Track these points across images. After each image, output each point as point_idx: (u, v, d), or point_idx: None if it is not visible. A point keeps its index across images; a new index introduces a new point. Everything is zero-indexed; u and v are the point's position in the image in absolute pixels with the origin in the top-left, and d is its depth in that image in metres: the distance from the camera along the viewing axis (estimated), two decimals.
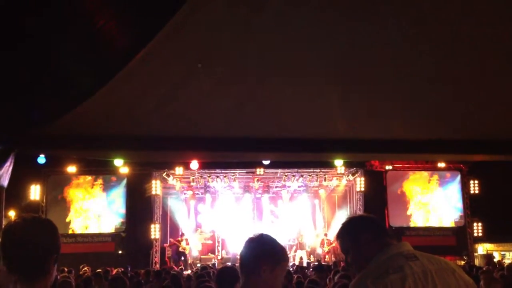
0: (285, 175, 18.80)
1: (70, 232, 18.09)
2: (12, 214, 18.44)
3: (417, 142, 5.45)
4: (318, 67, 3.84)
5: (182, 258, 17.87)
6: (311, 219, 20.87)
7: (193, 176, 18.71)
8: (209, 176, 18.75)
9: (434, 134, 5.27)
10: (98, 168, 18.22)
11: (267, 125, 5.05)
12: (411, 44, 3.45)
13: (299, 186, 20.18)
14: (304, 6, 3.03)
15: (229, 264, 13.65)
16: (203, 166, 16.70)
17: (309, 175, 18.90)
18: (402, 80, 4.00)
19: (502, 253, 22.27)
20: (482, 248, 21.46)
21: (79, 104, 4.02)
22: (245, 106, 4.54)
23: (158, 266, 16.91)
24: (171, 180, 18.73)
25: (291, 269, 11.55)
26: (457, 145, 5.46)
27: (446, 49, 3.50)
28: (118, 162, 12.47)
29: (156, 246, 18.12)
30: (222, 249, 19.85)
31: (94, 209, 18.69)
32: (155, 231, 18.06)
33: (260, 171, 17.86)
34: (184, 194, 20.81)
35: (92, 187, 18.86)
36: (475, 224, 19.21)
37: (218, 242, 19.94)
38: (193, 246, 19.39)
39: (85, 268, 12.44)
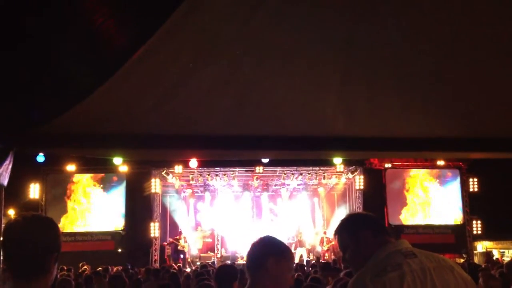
0: (284, 173, 18.81)
1: (69, 230, 18.09)
2: (11, 212, 18.46)
3: (417, 140, 5.45)
4: (317, 66, 3.85)
5: (181, 256, 17.88)
6: (310, 217, 20.89)
7: (193, 174, 18.72)
8: (209, 175, 18.76)
9: (434, 132, 5.27)
10: (97, 167, 18.23)
11: (266, 123, 5.05)
12: (411, 44, 3.45)
13: (298, 184, 20.19)
14: (303, 5, 3.04)
15: (229, 262, 13.67)
16: (202, 164, 16.70)
17: (308, 173, 18.91)
18: (402, 79, 4.00)
19: (501, 250, 22.34)
20: (481, 246, 21.52)
21: (78, 102, 4.02)
22: (244, 104, 4.54)
23: (157, 264, 16.92)
24: (170, 179, 18.73)
25: None
26: (457, 143, 5.46)
27: (446, 49, 3.51)
28: (117, 160, 12.50)
29: (155, 244, 18.14)
30: (221, 247, 19.86)
31: (93, 208, 18.69)
32: (154, 229, 18.07)
33: (259, 169, 17.86)
34: (184, 192, 20.82)
35: (92, 186, 18.86)
36: (474, 222, 19.24)
37: (218, 240, 19.95)
38: (192, 244, 19.40)
39: (85, 267, 12.46)
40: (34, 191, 17.96)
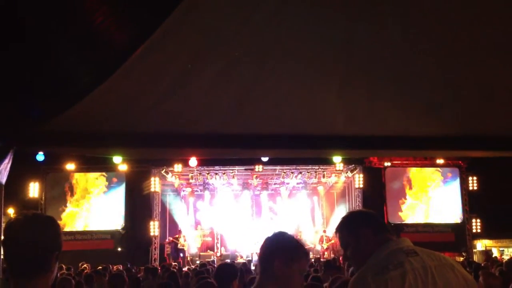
0: (284, 172, 18.82)
1: (69, 229, 18.10)
2: (11, 211, 18.47)
3: (416, 139, 5.45)
4: (317, 65, 3.85)
5: (181, 255, 17.90)
6: (310, 216, 20.92)
7: (192, 173, 18.73)
8: (208, 173, 18.76)
9: (433, 130, 5.27)
10: (97, 166, 18.24)
11: (266, 122, 5.05)
12: (411, 44, 3.45)
13: (298, 183, 20.22)
14: (303, 5, 3.04)
15: (228, 261, 13.68)
16: (202, 163, 16.73)
17: (308, 172, 18.93)
18: (402, 79, 4.00)
19: (501, 249, 22.37)
20: (480, 244, 21.55)
21: (78, 101, 4.02)
22: (244, 103, 4.54)
23: (157, 263, 16.94)
24: (170, 177, 18.74)
25: None
26: (456, 141, 5.46)
27: (446, 49, 3.50)
28: (117, 159, 12.51)
29: (155, 243, 18.15)
30: (221, 246, 19.88)
31: (93, 207, 18.70)
32: (154, 228, 18.08)
33: (258, 168, 17.89)
34: (183, 191, 20.83)
35: (91, 185, 18.86)
36: (473, 220, 19.26)
37: (217, 239, 19.97)
38: (191, 243, 19.41)
39: (85, 265, 12.46)
40: (34, 190, 17.97)
